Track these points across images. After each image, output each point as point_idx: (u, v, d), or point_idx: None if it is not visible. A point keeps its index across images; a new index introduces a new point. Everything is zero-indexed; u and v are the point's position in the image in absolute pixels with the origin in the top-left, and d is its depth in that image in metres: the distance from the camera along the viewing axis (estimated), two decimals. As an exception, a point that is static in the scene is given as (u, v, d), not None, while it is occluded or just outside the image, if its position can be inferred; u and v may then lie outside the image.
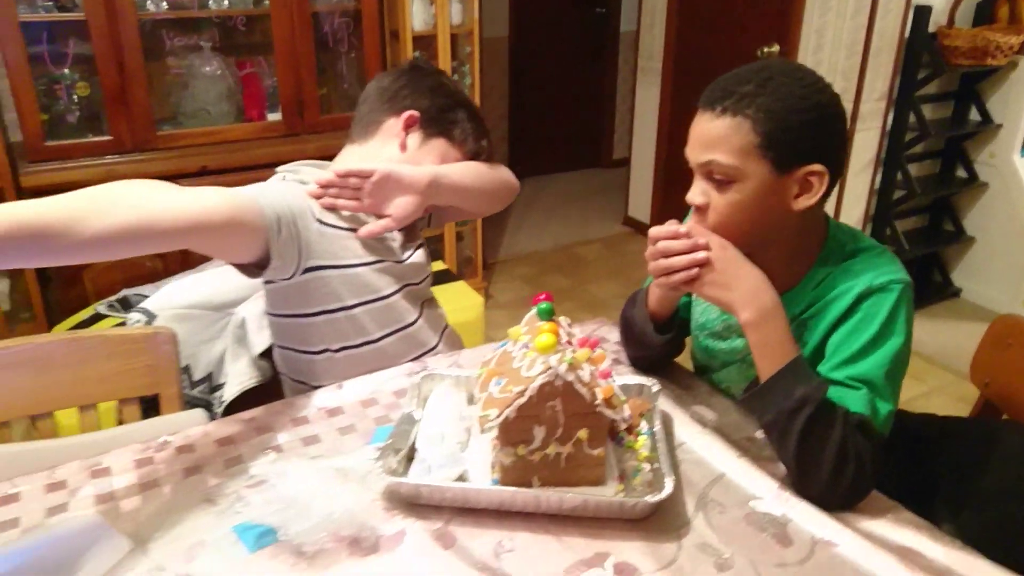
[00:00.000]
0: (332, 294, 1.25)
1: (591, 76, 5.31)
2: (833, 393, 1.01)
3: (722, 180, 1.04)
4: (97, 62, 2.38)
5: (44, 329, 2.53)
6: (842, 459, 0.96)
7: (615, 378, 1.05)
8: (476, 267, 3.52)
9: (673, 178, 4.07)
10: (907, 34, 3.12)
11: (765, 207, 1.03)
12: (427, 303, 1.42)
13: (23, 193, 2.35)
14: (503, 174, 1.47)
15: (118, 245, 0.93)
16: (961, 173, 3.45)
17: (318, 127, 2.75)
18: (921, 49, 3.12)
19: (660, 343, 1.20)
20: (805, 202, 1.03)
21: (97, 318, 1.99)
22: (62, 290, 2.48)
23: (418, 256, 1.38)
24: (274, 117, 2.73)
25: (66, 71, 2.48)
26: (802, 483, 1.00)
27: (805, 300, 1.11)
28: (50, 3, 2.38)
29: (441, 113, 1.37)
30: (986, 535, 0.97)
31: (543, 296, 0.99)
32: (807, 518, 0.97)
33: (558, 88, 5.22)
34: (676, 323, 1.23)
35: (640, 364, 1.29)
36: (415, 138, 1.35)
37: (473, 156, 1.42)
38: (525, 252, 4.14)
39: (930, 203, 3.55)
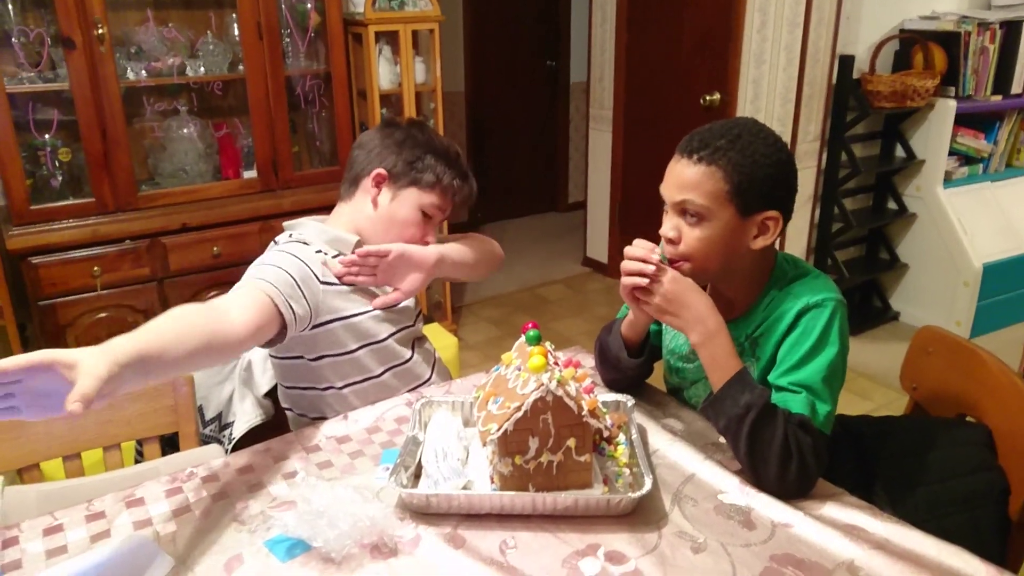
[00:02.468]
0: (336, 341, 1.40)
1: (544, 125, 5.57)
2: (777, 398, 1.18)
3: (694, 218, 1.20)
4: (81, 129, 2.50)
5: (28, 387, 2.58)
6: (786, 455, 1.12)
7: (597, 393, 1.20)
8: (446, 311, 3.67)
9: (628, 218, 4.29)
10: (834, 81, 3.41)
11: (728, 244, 1.21)
12: (418, 341, 1.56)
13: (9, 255, 2.43)
14: (493, 247, 1.66)
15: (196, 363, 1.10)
16: (892, 205, 3.73)
17: (292, 183, 2.89)
18: (847, 94, 3.41)
19: (633, 366, 1.36)
20: (762, 242, 1.22)
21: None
22: (45, 347, 2.54)
23: (409, 301, 1.52)
24: (250, 175, 2.86)
25: (47, 137, 2.58)
26: (755, 478, 1.16)
27: (756, 321, 1.28)
28: (33, 74, 2.50)
29: (408, 165, 1.46)
30: (918, 512, 1.13)
31: (531, 324, 1.15)
32: (767, 506, 1.13)
33: (514, 137, 5.46)
34: (647, 348, 1.39)
35: (614, 386, 1.44)
36: (386, 194, 1.47)
37: (451, 195, 1.50)
38: (490, 295, 4.30)
39: (866, 234, 3.82)
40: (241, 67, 2.76)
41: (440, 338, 2.64)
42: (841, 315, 1.22)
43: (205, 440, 1.46)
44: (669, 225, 1.23)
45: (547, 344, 1.19)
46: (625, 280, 1.22)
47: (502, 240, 5.19)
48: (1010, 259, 3.52)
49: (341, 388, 1.42)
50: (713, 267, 1.23)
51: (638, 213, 4.19)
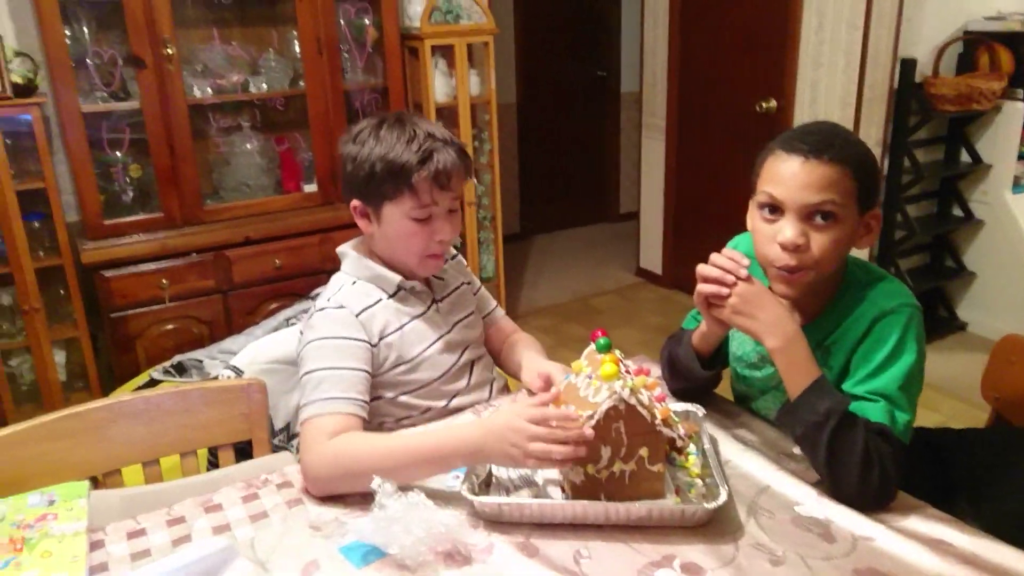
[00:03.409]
0: (401, 383, 1.39)
1: (595, 135, 5.56)
2: (855, 407, 1.14)
3: (826, 220, 1.15)
4: (150, 145, 2.59)
5: (99, 397, 2.67)
6: (867, 464, 1.09)
7: (667, 402, 1.19)
8: (499, 321, 3.67)
9: (682, 228, 4.25)
10: (895, 84, 3.33)
11: (848, 245, 1.19)
12: (478, 361, 1.52)
13: (84, 268, 2.52)
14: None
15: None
16: (957, 212, 3.62)
17: (350, 195, 2.93)
18: (910, 98, 3.32)
19: (705, 377, 1.35)
20: (867, 242, 1.21)
21: (152, 384, 2.12)
22: (116, 358, 2.63)
23: (476, 323, 1.52)
24: (310, 188, 2.92)
25: (119, 154, 2.67)
26: (835, 488, 1.13)
27: (827, 328, 1.25)
28: (106, 93, 2.59)
29: (367, 187, 1.34)
30: (1007, 526, 1.09)
31: (600, 332, 1.14)
32: (846, 519, 1.10)
33: (564, 148, 5.46)
34: (720, 359, 1.37)
35: (682, 396, 1.42)
36: (373, 219, 1.37)
37: (428, 186, 1.31)
38: (543, 305, 4.29)
39: (930, 241, 3.71)
40: (302, 83, 2.82)
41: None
42: (917, 321, 1.19)
43: (275, 450, 1.49)
44: (796, 231, 1.15)
45: (616, 352, 1.18)
46: (702, 287, 1.21)
47: (554, 250, 5.25)
48: (1085, 266, 3.38)
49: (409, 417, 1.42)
50: (829, 273, 1.20)
51: (692, 222, 4.15)
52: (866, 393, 1.16)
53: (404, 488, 1.09)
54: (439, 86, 3.13)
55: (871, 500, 1.11)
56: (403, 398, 1.39)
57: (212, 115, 2.83)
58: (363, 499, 1.18)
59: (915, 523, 1.09)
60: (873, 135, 3.40)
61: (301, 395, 1.27)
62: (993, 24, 3.40)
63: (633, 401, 1.06)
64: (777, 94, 3.52)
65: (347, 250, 1.45)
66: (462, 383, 1.45)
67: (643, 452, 1.09)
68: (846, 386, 1.19)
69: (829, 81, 3.35)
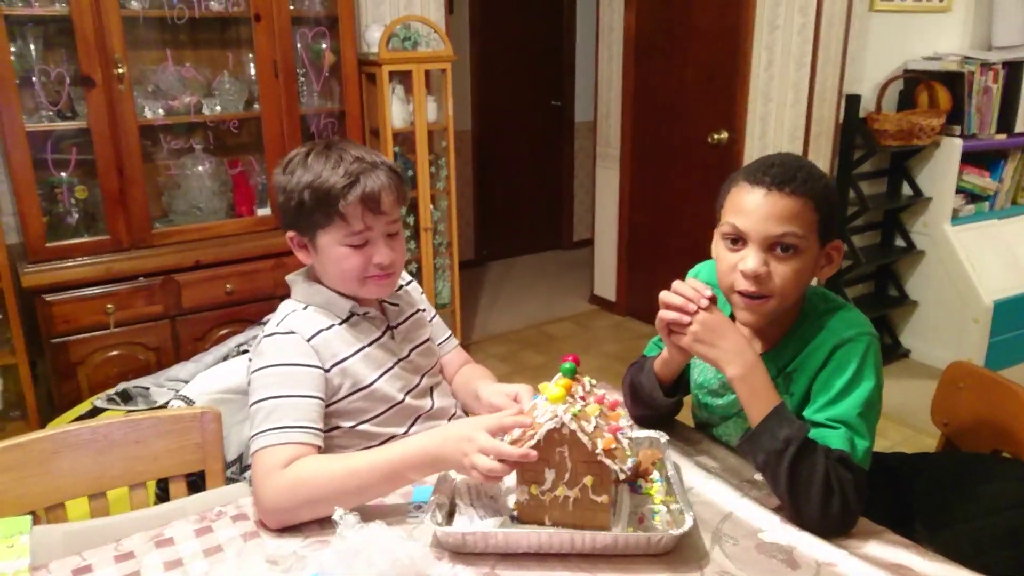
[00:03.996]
0: (351, 414, 1.35)
1: (550, 163, 5.61)
2: (816, 434, 1.16)
3: (787, 251, 1.18)
4: (98, 166, 2.51)
5: (37, 427, 2.56)
6: (828, 491, 1.10)
7: (627, 431, 1.17)
8: (455, 348, 3.64)
9: (635, 256, 4.30)
10: (841, 119, 3.45)
11: (810, 275, 1.22)
12: (436, 386, 1.50)
13: (25, 292, 2.43)
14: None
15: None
16: (900, 242, 3.75)
17: (305, 220, 2.89)
18: (855, 132, 3.44)
19: (667, 404, 1.35)
20: (828, 272, 1.24)
21: (95, 412, 2.03)
22: (56, 385, 2.53)
23: (431, 350, 1.50)
24: (263, 212, 2.87)
25: (64, 175, 2.59)
26: (797, 514, 1.14)
27: (789, 354, 1.27)
28: (52, 112, 2.52)
29: (299, 217, 1.31)
30: (962, 549, 1.11)
31: (570, 357, 1.14)
32: (810, 545, 1.11)
33: (520, 175, 5.50)
34: (682, 386, 1.38)
35: (644, 423, 1.42)
36: (311, 249, 1.35)
37: (359, 210, 1.27)
38: (499, 332, 4.28)
39: (875, 271, 3.83)
40: (256, 105, 2.79)
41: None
42: (875, 349, 1.21)
43: (227, 482, 1.44)
44: (758, 261, 1.18)
45: (588, 380, 1.18)
46: (664, 314, 1.21)
47: (509, 278, 5.26)
48: (1021, 295, 3.52)
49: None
50: (791, 302, 1.23)
51: (646, 250, 4.20)
52: (826, 420, 1.18)
53: (366, 519, 1.07)
54: (396, 112, 3.13)
55: (833, 526, 1.12)
56: (363, 427, 1.35)
57: (163, 137, 2.77)
58: (322, 530, 1.15)
59: (876, 548, 1.10)
60: (821, 167, 3.50)
61: (251, 425, 1.23)
62: (931, 64, 3.55)
63: (573, 427, 1.06)
64: (729, 127, 3.61)
65: (296, 278, 1.42)
66: (423, 409, 1.43)
67: (587, 481, 1.08)
68: (807, 413, 1.21)
69: (778, 115, 3.45)
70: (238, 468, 1.52)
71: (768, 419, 1.15)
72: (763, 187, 1.18)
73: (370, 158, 1.31)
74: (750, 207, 1.18)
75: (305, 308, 1.36)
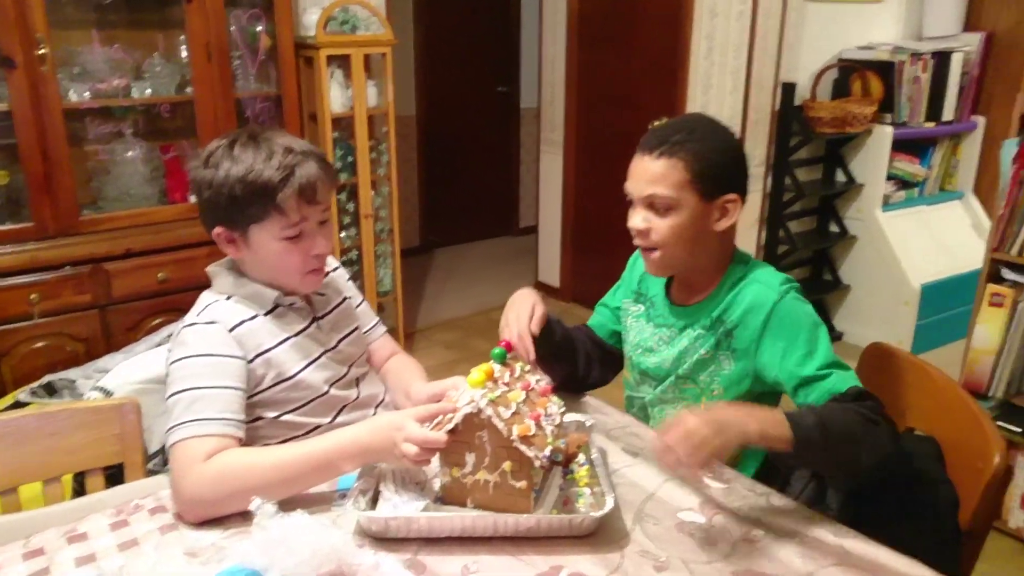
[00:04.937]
0: (275, 405, 1.33)
1: (496, 149, 5.60)
2: (818, 388, 1.22)
3: (662, 209, 1.28)
4: (20, 151, 2.41)
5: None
6: (871, 422, 1.14)
7: (555, 418, 1.18)
8: (399, 336, 3.62)
9: (580, 242, 4.32)
10: (778, 107, 3.51)
11: (695, 229, 1.29)
12: (363, 377, 1.49)
13: (-58, 282, 2.33)
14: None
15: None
16: (834, 228, 3.84)
17: (242, 206, 2.83)
18: (791, 120, 3.51)
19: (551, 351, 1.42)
20: (725, 224, 1.30)
21: (17, 406, 1.97)
22: (-23, 379, 2.44)
23: (358, 342, 1.49)
24: (198, 198, 2.80)
25: (-16, 160, 2.49)
26: (873, 460, 1.14)
27: (721, 303, 1.33)
28: (-30, 94, 2.41)
29: (229, 212, 1.26)
30: (873, 525, 1.15)
31: (504, 343, 1.15)
32: (727, 522, 1.14)
33: (466, 162, 5.48)
34: (552, 336, 1.44)
35: (568, 386, 1.48)
36: (241, 244, 1.30)
37: (294, 202, 1.24)
38: (446, 319, 4.27)
39: (810, 256, 3.92)
40: (189, 89, 2.71)
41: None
42: (802, 293, 1.31)
43: (148, 475, 1.41)
44: (639, 217, 1.31)
45: (520, 365, 1.19)
46: (666, 459, 1.06)
47: (456, 265, 5.24)
48: (947, 279, 3.64)
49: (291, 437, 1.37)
50: (681, 253, 1.32)
51: (590, 236, 4.23)
52: (816, 372, 1.24)
53: (291, 508, 1.06)
54: (335, 96, 3.08)
55: (888, 448, 1.16)
56: (287, 417, 1.33)
57: (91, 120, 2.67)
58: (243, 522, 1.13)
59: (790, 524, 1.14)
60: (758, 155, 3.57)
61: (170, 416, 1.20)
62: (865, 53, 3.64)
63: (489, 412, 1.06)
64: (671, 113, 3.60)
65: (218, 270, 1.37)
66: (349, 399, 1.41)
67: (506, 466, 1.09)
68: (788, 375, 1.26)
69: (718, 102, 3.50)
70: (161, 460, 1.49)
71: (795, 430, 1.08)
72: (639, 152, 1.30)
73: (299, 147, 1.28)
74: (632, 171, 1.32)
75: (228, 299, 1.33)
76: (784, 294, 1.28)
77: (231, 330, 1.27)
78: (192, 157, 2.85)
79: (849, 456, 1.14)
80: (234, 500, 1.13)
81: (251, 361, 1.28)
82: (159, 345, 1.88)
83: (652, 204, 1.29)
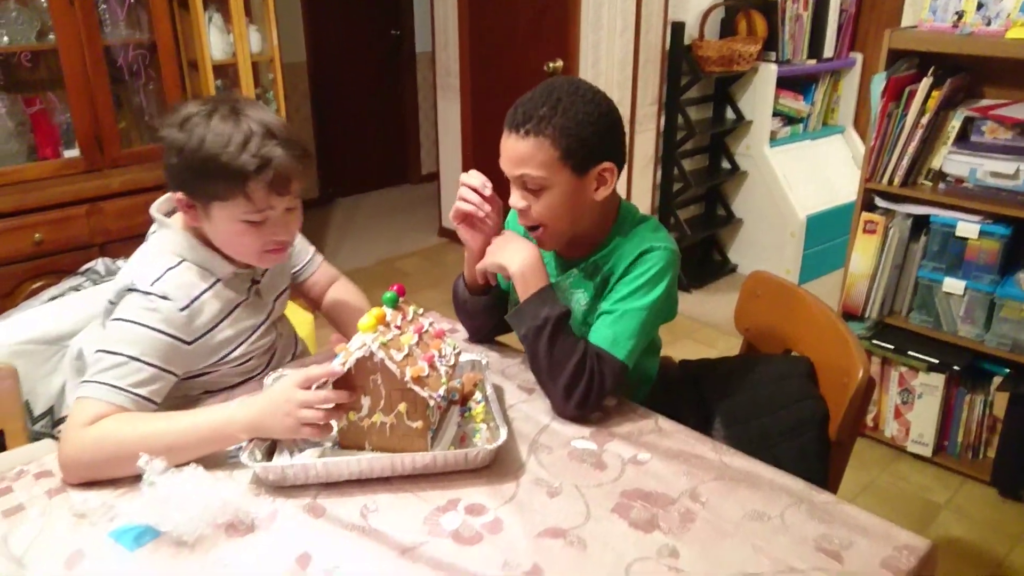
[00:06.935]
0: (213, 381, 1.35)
1: (393, 96, 5.48)
2: (598, 322, 1.29)
3: (535, 188, 1.26)
4: None
5: None
6: (578, 373, 1.22)
7: (450, 359, 1.19)
8: (300, 289, 3.56)
9: (481, 188, 4.31)
10: (667, 47, 3.57)
11: (573, 203, 1.27)
12: (279, 322, 1.48)
13: None
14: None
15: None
16: (725, 165, 3.97)
17: (120, 161, 2.70)
18: (680, 59, 3.57)
19: (480, 306, 1.44)
20: (603, 193, 1.29)
21: None
22: None
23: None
24: (71, 154, 2.64)
25: None
26: (545, 389, 1.27)
27: (607, 255, 1.35)
28: None
29: (194, 183, 1.21)
30: (753, 444, 1.23)
31: (396, 287, 1.15)
32: (616, 447, 1.19)
33: (361, 109, 5.34)
34: (492, 289, 1.45)
35: (477, 335, 1.51)
36: (201, 214, 1.25)
37: (264, 190, 1.19)
38: (347, 269, 4.15)
39: (704, 192, 4.05)
40: (51, 36, 2.53)
41: (296, 315, 2.56)
42: (672, 263, 1.31)
43: (36, 437, 1.35)
44: (517, 196, 1.29)
45: (412, 308, 1.20)
46: (460, 204, 1.31)
47: (356, 214, 5.15)
48: (829, 211, 3.84)
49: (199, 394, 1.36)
50: (565, 227, 1.31)
51: (492, 181, 4.22)
52: (610, 307, 1.29)
53: (181, 465, 1.05)
54: (215, 43, 2.93)
55: (573, 407, 1.23)
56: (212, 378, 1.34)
57: (-59, 72, 2.47)
58: (136, 480, 1.11)
59: (675, 444, 1.20)
60: (650, 95, 3.63)
61: (89, 368, 1.17)
62: (749, -8, 3.72)
63: (381, 355, 1.08)
64: (563, 54, 3.64)
65: (168, 221, 1.29)
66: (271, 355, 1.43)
67: (401, 408, 1.11)
68: (601, 305, 1.31)
69: (609, 43, 3.52)
70: (49, 422, 1.43)
71: (533, 298, 1.26)
72: (507, 129, 1.26)
73: (279, 132, 1.20)
74: (502, 150, 1.28)
75: (180, 263, 1.27)
76: (655, 249, 1.29)
77: (183, 309, 1.24)
78: (61, 110, 2.67)
79: (534, 360, 1.27)
80: (113, 465, 1.10)
81: (190, 343, 1.25)
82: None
83: (525, 184, 1.26)
